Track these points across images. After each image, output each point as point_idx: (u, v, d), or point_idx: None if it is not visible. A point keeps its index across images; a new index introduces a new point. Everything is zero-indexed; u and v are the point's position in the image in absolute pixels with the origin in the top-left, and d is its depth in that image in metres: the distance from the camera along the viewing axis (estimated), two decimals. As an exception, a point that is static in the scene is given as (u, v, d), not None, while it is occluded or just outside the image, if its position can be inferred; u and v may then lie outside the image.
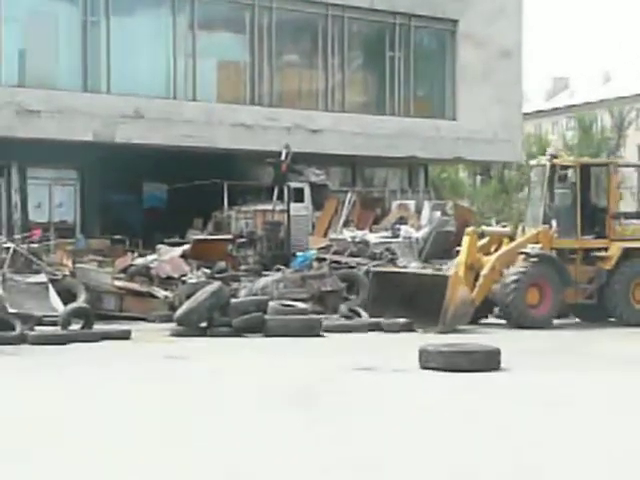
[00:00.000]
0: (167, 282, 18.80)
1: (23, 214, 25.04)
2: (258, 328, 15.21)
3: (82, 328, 14.94)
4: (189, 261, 19.94)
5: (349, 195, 26.35)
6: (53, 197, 25.88)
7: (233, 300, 16.09)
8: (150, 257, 20.15)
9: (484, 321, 17.37)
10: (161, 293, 18.20)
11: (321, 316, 16.33)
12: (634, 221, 18.15)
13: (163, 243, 22.05)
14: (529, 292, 16.88)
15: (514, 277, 16.76)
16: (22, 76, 24.58)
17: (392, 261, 20.84)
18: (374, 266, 19.37)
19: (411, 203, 26.96)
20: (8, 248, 17.98)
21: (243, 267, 20.85)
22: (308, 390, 10.17)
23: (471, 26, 29.98)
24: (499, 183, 47.32)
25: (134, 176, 26.29)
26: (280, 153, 23.21)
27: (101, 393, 9.96)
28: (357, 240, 22.21)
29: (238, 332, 15.18)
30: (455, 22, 30.03)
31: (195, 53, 26.32)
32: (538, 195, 18.22)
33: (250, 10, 27.21)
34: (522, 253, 17.19)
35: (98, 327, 15.24)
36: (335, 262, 20.36)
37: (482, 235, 18.07)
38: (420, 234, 23.24)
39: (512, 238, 17.80)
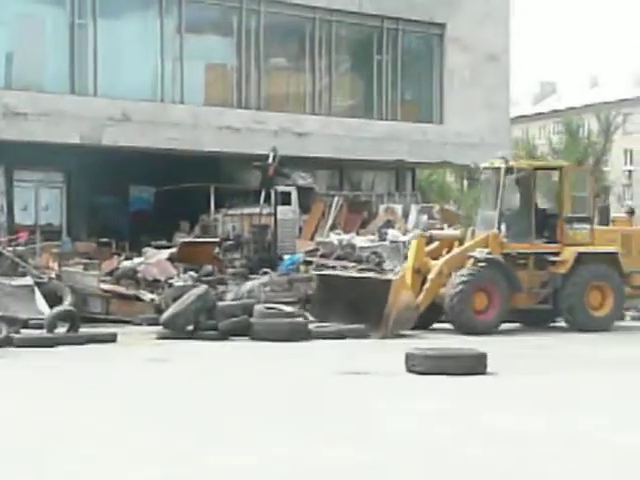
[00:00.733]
0: (154, 285, 18.76)
1: (9, 217, 24.98)
2: (244, 332, 15.18)
3: (68, 331, 14.89)
4: (176, 264, 19.91)
5: (336, 199, 26.38)
6: (39, 200, 25.81)
7: (219, 303, 16.08)
8: (137, 260, 20.12)
9: (436, 326, 16.96)
10: (147, 296, 18.15)
11: (306, 320, 16.13)
12: (585, 225, 17.82)
13: (150, 246, 22.02)
14: (476, 297, 16.48)
15: (460, 281, 16.34)
16: (9, 78, 24.54)
17: (379, 265, 20.85)
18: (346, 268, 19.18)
19: (398, 207, 27.00)
20: (-6, 251, 17.92)
21: (230, 270, 20.82)
22: (295, 394, 10.17)
23: (459, 30, 30.05)
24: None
25: (121, 179, 26.24)
26: (267, 156, 23.20)
27: (86, 396, 9.93)
28: (344, 243, 22.22)
29: (224, 335, 15.15)
30: (443, 26, 30.11)
31: (182, 56, 26.32)
32: (490, 198, 17.80)
33: (238, 13, 27.22)
34: (470, 257, 16.79)
35: (84, 330, 15.18)
36: (322, 265, 20.37)
37: (431, 239, 17.71)
38: (407, 238, 23.26)
39: (462, 242, 17.38)
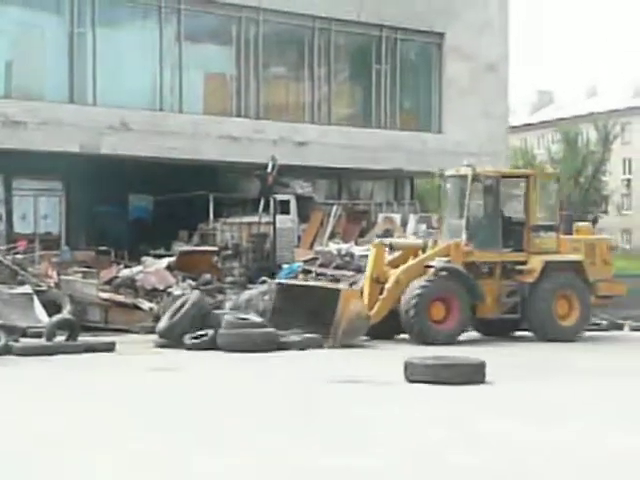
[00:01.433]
0: (152, 294, 18.77)
1: (8, 225, 24.99)
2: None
3: (67, 340, 14.90)
4: (174, 273, 19.92)
5: (335, 208, 26.40)
6: (38, 208, 25.83)
7: (215, 311, 16.01)
8: (135, 269, 20.13)
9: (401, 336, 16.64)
10: (146, 305, 18.17)
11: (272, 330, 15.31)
12: (551, 234, 17.58)
13: (148, 255, 22.05)
14: (434, 307, 16.19)
15: (416, 291, 16.07)
16: (8, 87, 24.57)
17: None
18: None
19: (397, 216, 27.01)
20: (-7, 259, 17.93)
21: (228, 279, 20.83)
22: (295, 402, 10.17)
23: (457, 39, 30.12)
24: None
25: (120, 188, 26.27)
26: (266, 165, 23.24)
27: (85, 404, 9.93)
28: (343, 253, 22.19)
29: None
30: (441, 35, 30.17)
31: (181, 65, 26.36)
32: (456, 206, 17.52)
33: (237, 22, 27.27)
34: (427, 267, 16.51)
35: (83, 339, 15.19)
36: (321, 274, 20.36)
37: (391, 248, 17.44)
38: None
39: (425, 251, 17.13)
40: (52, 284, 18.02)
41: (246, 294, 18.45)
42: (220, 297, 18.53)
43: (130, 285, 19.06)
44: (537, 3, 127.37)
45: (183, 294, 17.27)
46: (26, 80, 24.89)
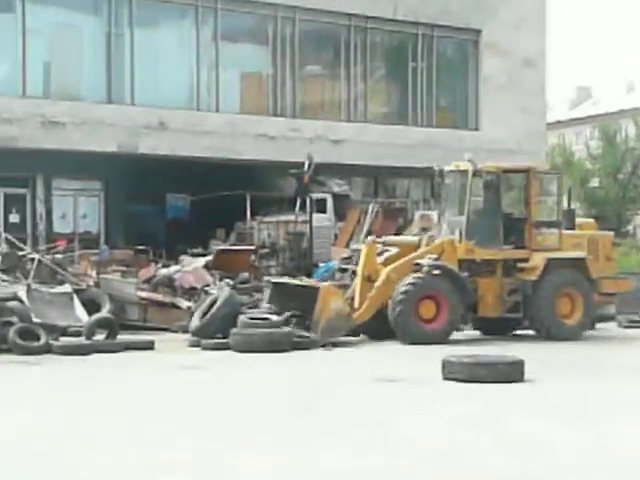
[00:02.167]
0: (190, 292, 18.87)
1: (48, 225, 25.20)
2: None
3: (106, 338, 15.03)
4: (212, 272, 20.00)
5: (371, 205, 26.35)
6: (78, 208, 26.04)
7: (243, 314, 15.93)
8: (173, 268, 20.24)
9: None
10: (184, 304, 18.26)
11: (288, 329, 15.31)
12: (553, 230, 17.26)
13: (186, 254, 22.14)
14: (423, 305, 15.98)
15: (402, 290, 15.84)
16: (47, 88, 24.80)
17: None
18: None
19: (434, 213, 26.88)
20: (33, 259, 18.10)
21: (266, 278, 20.87)
22: (331, 401, 10.18)
23: (494, 36, 29.96)
24: (522, 191, 47.16)
25: (157, 187, 26.41)
26: (303, 164, 23.26)
27: (125, 404, 10.01)
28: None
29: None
30: (478, 32, 30.03)
31: (218, 64, 26.45)
32: (456, 203, 17.24)
33: (273, 21, 27.32)
34: (417, 264, 16.27)
35: (122, 337, 15.31)
36: (356, 273, 20.31)
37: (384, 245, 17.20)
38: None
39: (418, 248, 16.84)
40: (91, 283, 18.18)
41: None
42: (257, 296, 18.57)
43: (168, 284, 19.17)
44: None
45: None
46: (64, 80, 25.10)
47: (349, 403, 10.05)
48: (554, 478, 6.90)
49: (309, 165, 23.15)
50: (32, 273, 17.52)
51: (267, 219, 26.13)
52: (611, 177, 57.25)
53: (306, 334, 15.25)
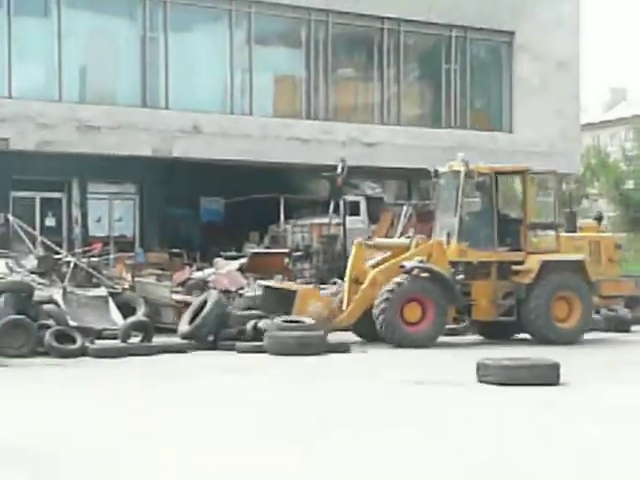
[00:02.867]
0: (224, 295, 18.90)
1: (83, 228, 25.40)
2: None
3: (141, 341, 15.11)
4: (246, 275, 20.05)
5: (405, 208, 26.30)
6: (113, 211, 26.23)
7: (233, 311, 16.01)
8: (207, 271, 20.32)
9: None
10: (218, 306, 18.27)
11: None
12: (549, 232, 16.92)
13: (220, 257, 22.22)
14: (408, 308, 15.69)
15: (386, 292, 15.58)
16: (83, 92, 25.01)
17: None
18: None
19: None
20: (69, 262, 18.22)
21: (299, 280, 20.89)
22: (370, 406, 10.17)
23: (528, 38, 29.83)
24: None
25: (192, 190, 26.56)
26: (336, 167, 23.27)
27: (162, 407, 10.04)
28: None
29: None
30: (512, 34, 29.91)
31: (252, 68, 26.54)
32: (449, 204, 16.80)
33: (306, 25, 27.37)
34: (401, 267, 15.96)
35: (157, 340, 15.38)
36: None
37: (374, 247, 16.94)
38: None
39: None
40: (126, 286, 18.26)
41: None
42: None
43: (202, 287, 19.21)
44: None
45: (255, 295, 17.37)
46: (99, 85, 25.29)
47: (387, 406, 10.03)
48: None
49: (342, 168, 23.15)
50: (68, 276, 17.63)
51: (300, 222, 26.18)
52: (646, 179, 56.66)
53: None
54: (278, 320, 15.26)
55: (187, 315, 15.80)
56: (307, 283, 20.53)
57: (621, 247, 18.17)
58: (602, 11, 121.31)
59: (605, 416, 9.41)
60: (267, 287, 16.88)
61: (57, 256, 19.13)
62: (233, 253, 23.35)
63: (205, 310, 15.44)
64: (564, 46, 30.24)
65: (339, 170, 23.20)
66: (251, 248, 23.97)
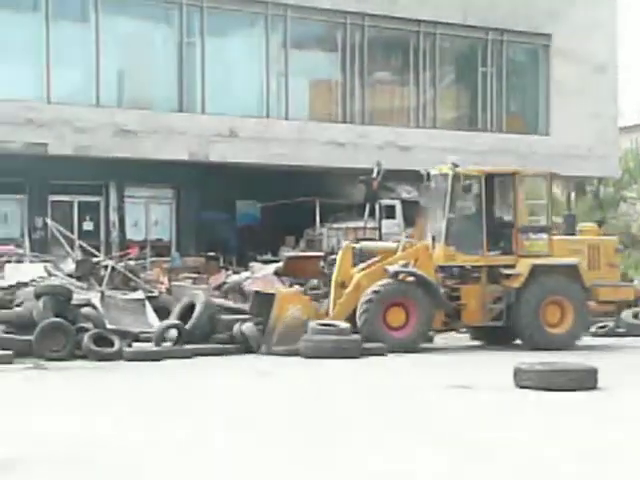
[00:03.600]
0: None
1: (121, 232, 25.57)
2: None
3: (174, 344, 15.10)
4: (282, 278, 20.07)
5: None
6: (149, 215, 26.39)
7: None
8: (243, 274, 20.36)
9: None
10: (255, 310, 18.31)
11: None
12: (542, 235, 16.53)
13: (256, 260, 22.28)
14: (391, 312, 15.47)
15: (368, 296, 15.37)
16: (120, 97, 25.21)
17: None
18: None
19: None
20: (107, 266, 18.35)
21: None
22: (402, 408, 10.17)
23: (565, 40, 29.68)
24: (594, 199, 46.59)
25: (228, 194, 26.67)
26: (372, 170, 23.24)
27: (189, 409, 10.10)
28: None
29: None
30: (548, 36, 29.78)
31: (288, 72, 26.62)
32: (438, 207, 16.53)
33: (342, 29, 27.40)
34: (385, 271, 15.73)
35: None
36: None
37: (361, 251, 16.55)
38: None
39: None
40: (163, 290, 18.36)
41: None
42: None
43: (238, 290, 19.27)
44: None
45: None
46: (137, 90, 25.48)
47: (427, 411, 10.01)
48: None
49: (378, 171, 23.11)
50: (106, 280, 17.75)
51: (336, 225, 26.20)
52: (685, 182, 56.11)
53: None
54: (314, 323, 15.24)
55: (173, 318, 15.62)
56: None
57: (622, 251, 17.73)
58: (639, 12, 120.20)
59: (624, 420, 9.36)
60: (256, 292, 16.63)
61: (95, 260, 19.27)
62: (269, 257, 23.41)
63: (196, 313, 15.32)
64: (601, 49, 30.06)
65: (375, 174, 23.16)
66: (287, 252, 24.01)
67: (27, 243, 22.68)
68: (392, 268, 15.76)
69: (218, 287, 19.62)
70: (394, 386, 11.86)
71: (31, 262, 19.29)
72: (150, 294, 17.66)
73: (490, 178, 16.74)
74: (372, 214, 23.76)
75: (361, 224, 24.24)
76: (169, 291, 18.36)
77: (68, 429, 8.76)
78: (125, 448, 7.95)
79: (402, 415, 9.70)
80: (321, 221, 26.57)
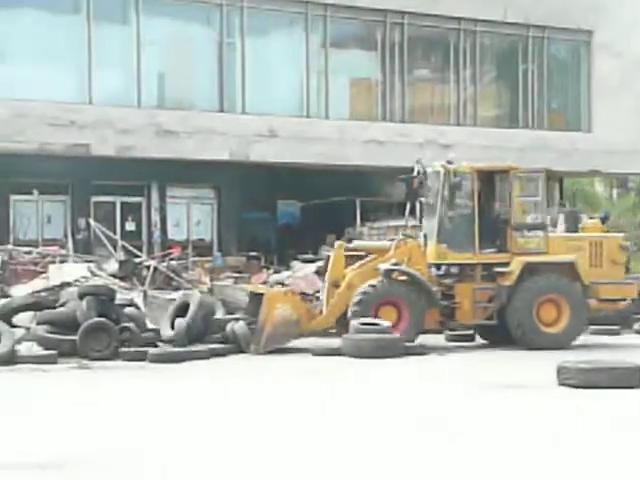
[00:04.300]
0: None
1: (163, 232, 25.72)
2: None
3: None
4: (323, 277, 20.07)
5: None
6: (191, 215, 26.52)
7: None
8: (285, 273, 20.43)
9: None
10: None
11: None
12: (538, 233, 16.28)
13: (297, 259, 22.31)
14: (383, 311, 15.30)
15: (358, 295, 15.26)
16: (161, 98, 25.36)
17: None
18: None
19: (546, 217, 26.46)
20: (149, 266, 18.49)
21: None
22: (448, 410, 10.14)
23: (607, 37, 29.42)
24: (637, 196, 46.15)
25: (269, 194, 26.74)
26: (412, 169, 23.19)
27: (219, 408, 10.14)
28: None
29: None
30: (590, 33, 29.54)
31: (328, 71, 26.63)
32: (432, 205, 16.41)
33: (382, 27, 27.36)
34: (376, 270, 15.57)
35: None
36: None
37: (354, 251, 16.45)
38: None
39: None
40: (205, 289, 18.46)
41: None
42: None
43: (280, 289, 19.29)
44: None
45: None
46: (178, 90, 25.61)
47: (470, 411, 9.98)
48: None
49: (419, 170, 23.05)
50: (148, 280, 17.90)
51: (377, 224, 26.15)
52: None
53: None
54: (355, 322, 15.20)
55: (167, 319, 15.54)
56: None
57: (627, 248, 17.24)
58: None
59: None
60: (252, 292, 16.57)
61: (137, 260, 19.43)
62: (310, 256, 23.42)
63: (190, 312, 15.24)
64: (644, 44, 29.76)
65: (415, 172, 23.11)
66: (327, 251, 23.97)
67: (70, 244, 22.92)
68: (383, 266, 15.63)
69: (259, 286, 19.67)
70: (437, 386, 11.83)
71: (74, 262, 19.48)
72: (192, 294, 17.73)
73: (483, 175, 16.50)
74: (413, 213, 23.73)
75: (402, 223, 24.22)
76: (211, 291, 18.46)
77: (129, 429, 8.83)
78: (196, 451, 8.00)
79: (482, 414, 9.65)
80: (362, 220, 26.55)
